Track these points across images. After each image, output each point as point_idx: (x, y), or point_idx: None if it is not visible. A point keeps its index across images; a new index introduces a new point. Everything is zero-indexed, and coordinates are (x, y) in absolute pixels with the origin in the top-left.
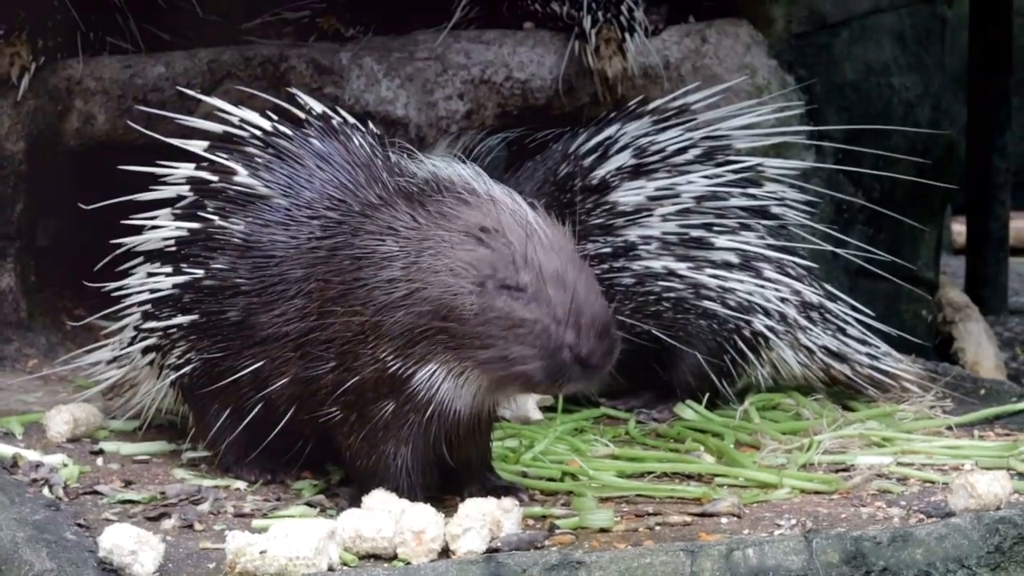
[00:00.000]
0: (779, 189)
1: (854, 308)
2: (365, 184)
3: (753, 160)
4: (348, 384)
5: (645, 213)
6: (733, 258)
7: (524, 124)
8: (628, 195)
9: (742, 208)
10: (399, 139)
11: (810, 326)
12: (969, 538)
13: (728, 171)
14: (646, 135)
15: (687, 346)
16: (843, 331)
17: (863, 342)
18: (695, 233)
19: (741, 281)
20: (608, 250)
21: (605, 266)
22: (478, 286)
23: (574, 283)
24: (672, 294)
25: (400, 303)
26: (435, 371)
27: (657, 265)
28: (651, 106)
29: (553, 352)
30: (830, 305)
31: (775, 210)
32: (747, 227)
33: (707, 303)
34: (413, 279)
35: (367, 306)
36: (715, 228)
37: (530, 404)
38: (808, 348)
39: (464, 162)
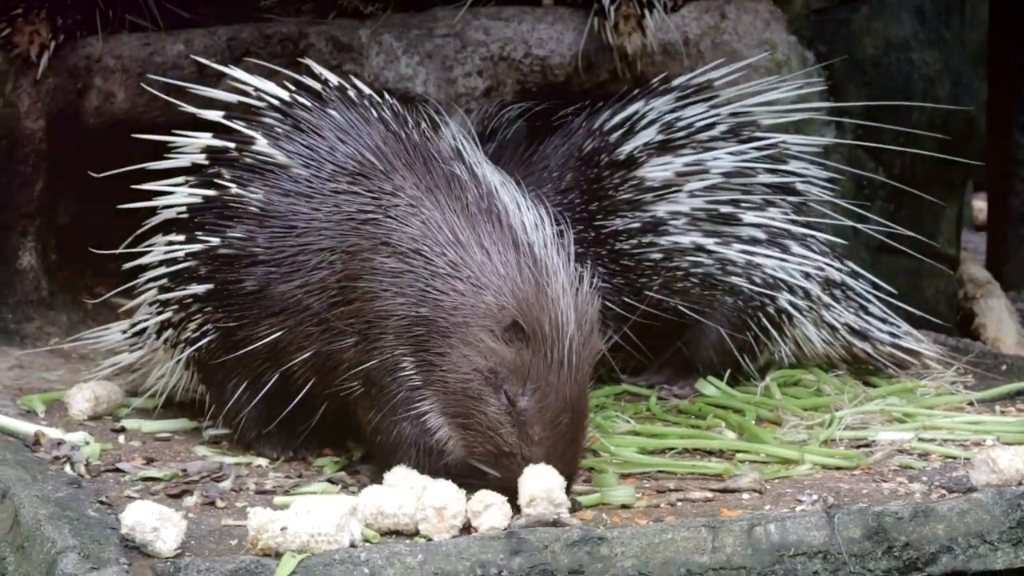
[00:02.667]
0: (802, 166)
1: (875, 286)
2: (393, 164)
3: (778, 137)
4: (368, 364)
5: (674, 189)
6: (760, 234)
7: (544, 101)
8: (656, 171)
9: (767, 185)
10: (424, 109)
11: (833, 303)
12: (991, 513)
13: (753, 148)
14: (672, 111)
15: (711, 322)
16: (865, 309)
17: (884, 320)
18: (724, 209)
19: (768, 256)
20: (636, 225)
21: (634, 241)
22: (490, 372)
23: (560, 430)
24: (700, 269)
25: (422, 321)
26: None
27: (686, 240)
28: (675, 82)
29: (501, 458)
30: (852, 283)
31: (799, 187)
32: (772, 204)
33: (734, 279)
34: (435, 306)
35: (386, 295)
36: (742, 204)
37: None
38: (831, 326)
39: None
